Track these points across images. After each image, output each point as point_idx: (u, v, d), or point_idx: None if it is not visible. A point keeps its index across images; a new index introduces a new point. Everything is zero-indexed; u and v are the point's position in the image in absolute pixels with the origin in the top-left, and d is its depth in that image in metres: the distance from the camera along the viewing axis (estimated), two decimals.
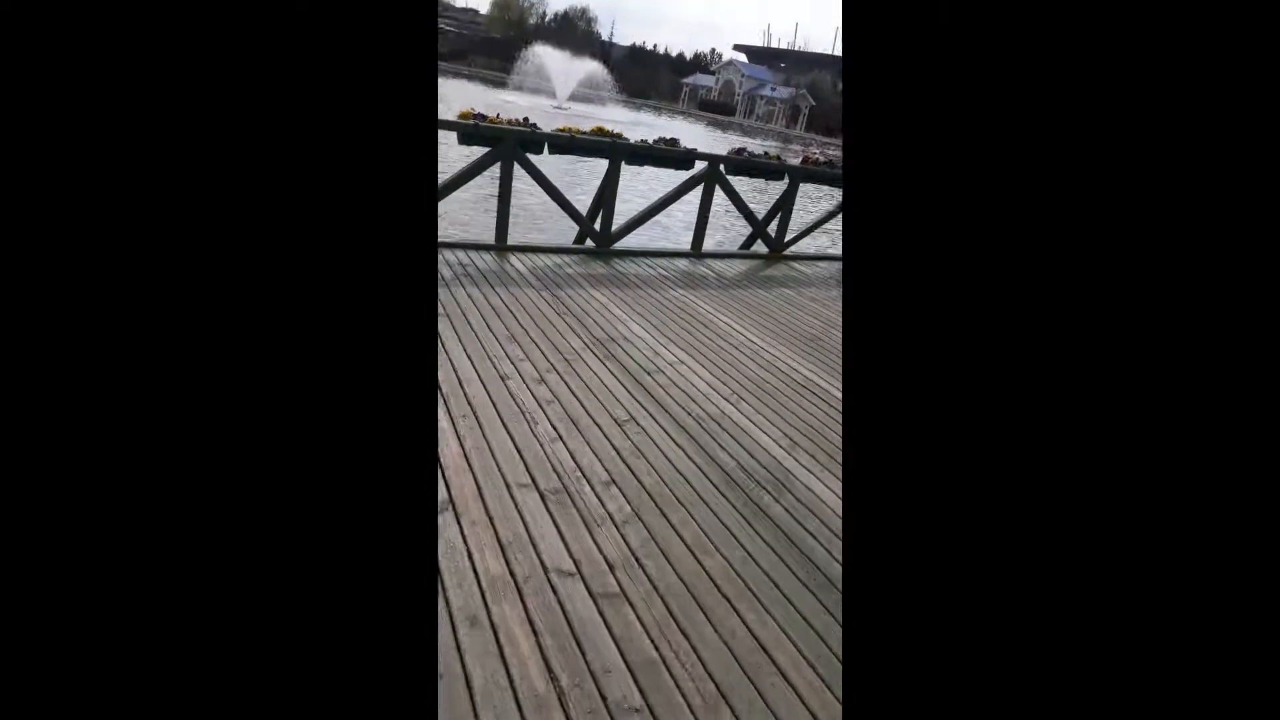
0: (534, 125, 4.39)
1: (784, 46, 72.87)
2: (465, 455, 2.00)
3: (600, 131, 4.62)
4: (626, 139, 4.70)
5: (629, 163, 4.71)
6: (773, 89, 54.58)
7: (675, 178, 5.00)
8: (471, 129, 4.07)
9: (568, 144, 4.44)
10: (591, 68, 36.03)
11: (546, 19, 58.53)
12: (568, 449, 2.15)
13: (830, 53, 68.09)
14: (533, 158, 4.35)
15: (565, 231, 5.67)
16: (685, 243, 5.62)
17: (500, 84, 35.28)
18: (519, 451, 2.08)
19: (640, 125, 29.12)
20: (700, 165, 5.02)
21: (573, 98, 31.24)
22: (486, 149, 4.19)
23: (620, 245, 4.97)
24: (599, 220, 4.85)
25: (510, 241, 4.51)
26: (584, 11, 62.94)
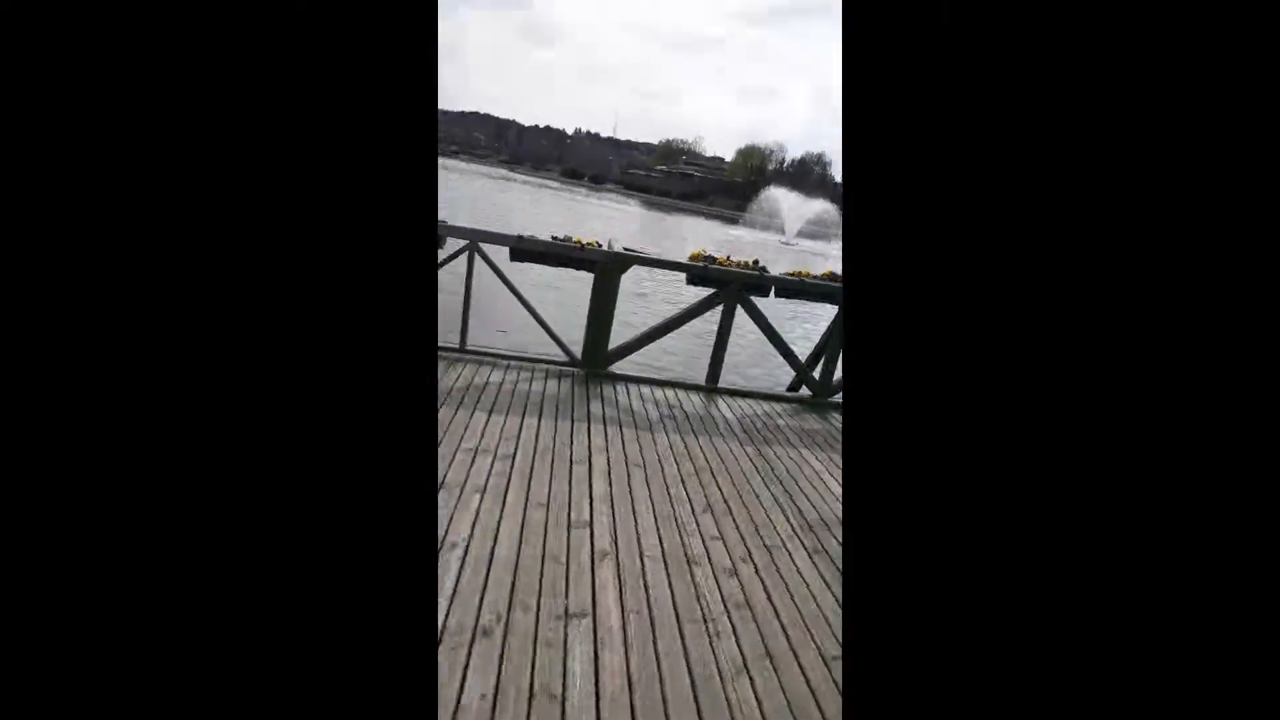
0: (763, 268, 4.22)
1: None
2: (629, 674, 1.60)
3: (832, 276, 4.29)
4: None
5: None
6: None
7: None
8: (700, 270, 4.01)
9: (797, 288, 4.17)
10: (821, 206, 37.04)
11: (785, 165, 62.42)
12: (756, 692, 1.63)
13: None
14: (758, 300, 4.16)
15: (778, 375, 5.31)
16: None
17: (733, 221, 37.79)
18: (693, 687, 1.61)
19: None
20: None
21: (800, 234, 32.11)
22: (712, 290, 4.10)
23: (839, 398, 4.44)
24: (819, 368, 4.41)
25: (722, 384, 4.27)
26: (820, 156, 66.13)
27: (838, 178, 68.06)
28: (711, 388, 4.22)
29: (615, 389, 3.88)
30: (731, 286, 4.06)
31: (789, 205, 33.49)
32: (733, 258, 4.21)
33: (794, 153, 66.23)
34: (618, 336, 4.16)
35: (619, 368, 4.17)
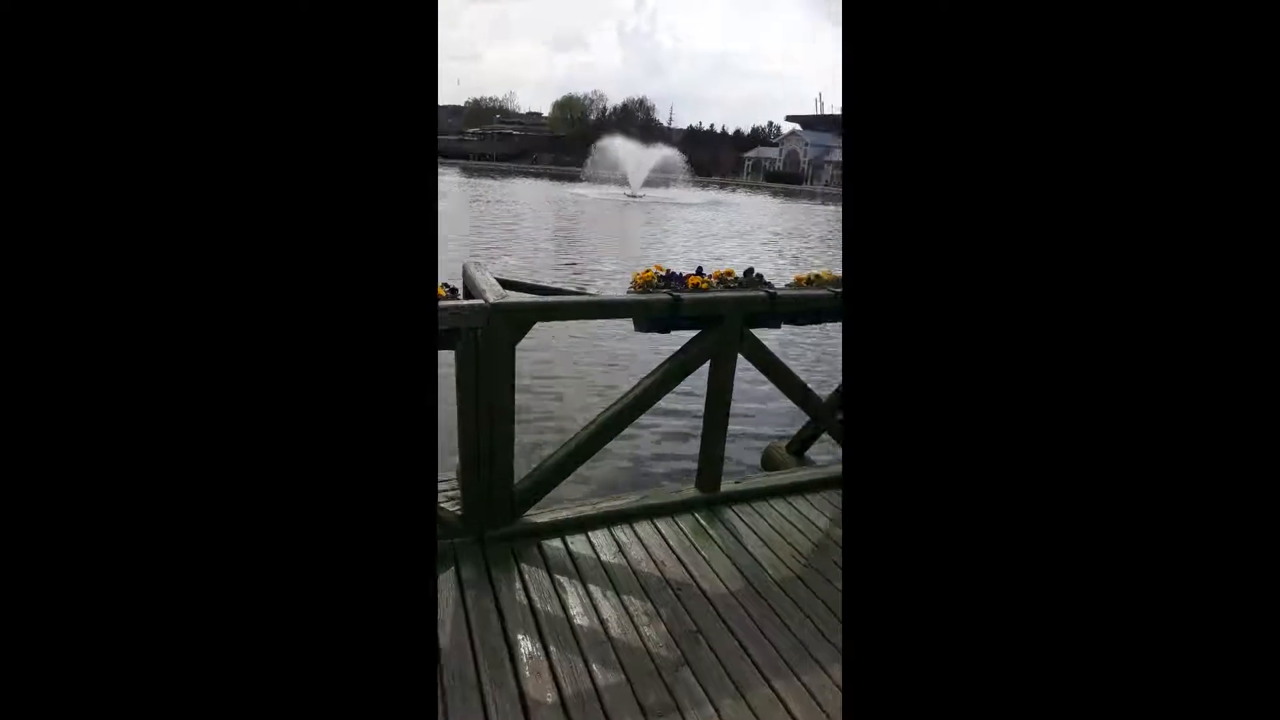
0: (759, 275, 2.44)
1: (838, 113, 72.40)
2: None
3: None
4: None
5: None
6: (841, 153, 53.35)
7: None
8: (667, 308, 2.14)
9: (826, 305, 2.45)
10: (665, 153, 35.58)
11: (607, 113, 60.40)
12: None
13: None
14: (760, 334, 2.40)
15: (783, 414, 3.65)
16: None
17: (572, 178, 35.31)
18: None
19: (719, 205, 28.01)
20: None
21: (646, 184, 30.58)
22: (692, 331, 2.26)
23: None
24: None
25: (728, 485, 2.50)
26: (642, 102, 64.94)
27: (664, 121, 67.51)
28: (712, 490, 2.44)
29: (537, 564, 1.97)
30: (728, 323, 2.25)
31: (629, 155, 31.47)
32: (705, 271, 2.38)
33: (614, 99, 64.16)
34: (525, 458, 2.25)
35: (541, 516, 2.23)
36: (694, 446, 2.53)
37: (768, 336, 2.50)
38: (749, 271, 2.45)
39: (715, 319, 2.24)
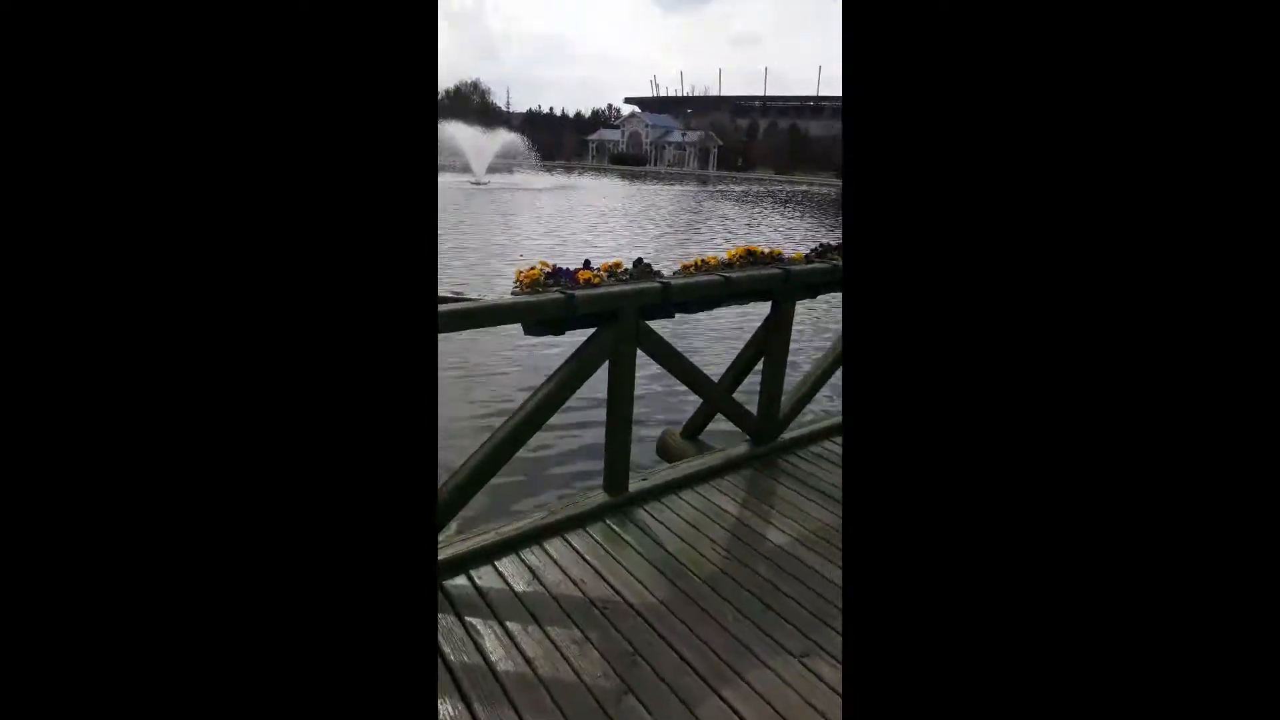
0: (648, 265, 2.34)
1: (673, 94, 74.88)
2: None
3: (753, 257, 2.62)
4: (788, 261, 2.72)
5: (803, 299, 2.73)
6: (682, 134, 55.17)
7: None
8: (560, 308, 1.96)
9: (718, 292, 2.41)
10: (508, 138, 34.23)
11: (441, 97, 57.21)
12: None
13: (719, 94, 70.41)
14: (670, 328, 2.31)
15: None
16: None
17: None
18: None
19: (569, 189, 27.63)
20: None
21: (490, 170, 29.33)
22: (589, 330, 2.11)
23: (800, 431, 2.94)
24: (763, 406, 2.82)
25: (636, 484, 2.40)
26: (476, 85, 62.27)
27: (502, 105, 65.20)
28: (619, 497, 2.33)
29: (444, 610, 1.76)
30: (624, 316, 2.12)
31: (469, 141, 29.83)
32: (594, 265, 2.23)
33: (446, 83, 60.74)
34: None
35: (440, 553, 1.99)
36: (581, 442, 2.40)
37: (662, 328, 2.42)
38: (638, 262, 2.34)
39: (610, 315, 2.11)
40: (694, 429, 3.16)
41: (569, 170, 45.64)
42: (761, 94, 68.75)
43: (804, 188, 38.13)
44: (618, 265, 2.30)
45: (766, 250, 2.74)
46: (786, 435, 2.94)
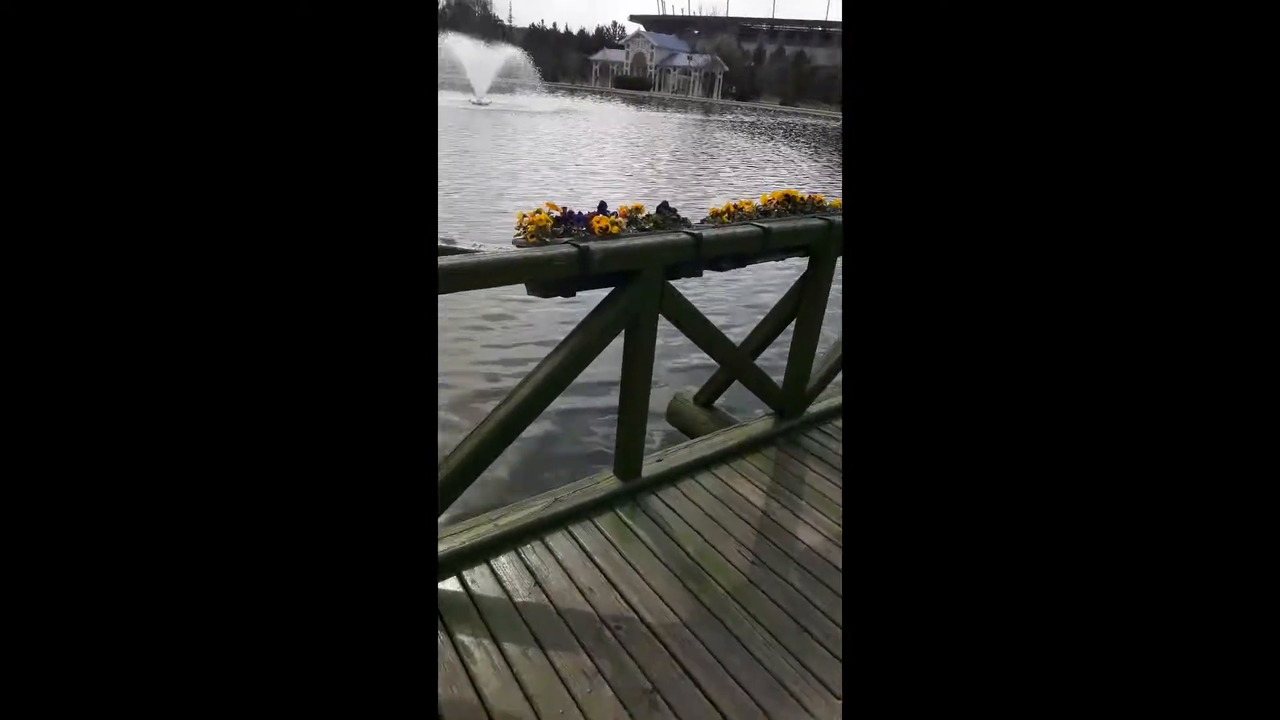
0: (674, 211, 1.96)
1: (680, 12, 70.89)
2: None
3: (791, 203, 2.22)
4: (829, 210, 2.33)
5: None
6: (688, 58, 52.53)
7: None
8: (574, 264, 1.60)
9: (756, 246, 2.03)
10: (509, 54, 32.03)
11: (441, 8, 53.82)
12: None
13: (725, 15, 66.55)
14: (681, 285, 1.95)
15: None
16: None
17: None
18: None
19: (572, 113, 26.17)
20: None
21: (492, 89, 27.70)
22: (606, 289, 1.76)
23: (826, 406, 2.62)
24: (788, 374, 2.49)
25: (649, 466, 2.10)
26: None
27: (504, 18, 61.41)
28: (632, 478, 2.04)
29: None
30: (645, 277, 1.77)
31: (471, 57, 27.81)
32: (610, 210, 1.84)
33: None
34: None
35: None
36: (590, 420, 2.09)
37: (686, 286, 2.06)
38: (663, 206, 1.95)
39: (631, 273, 1.75)
40: (708, 396, 2.85)
41: (572, 93, 43.47)
42: (769, 16, 64.95)
43: (810, 120, 36.41)
44: (639, 210, 1.92)
45: (806, 196, 2.35)
46: (812, 409, 2.63)
